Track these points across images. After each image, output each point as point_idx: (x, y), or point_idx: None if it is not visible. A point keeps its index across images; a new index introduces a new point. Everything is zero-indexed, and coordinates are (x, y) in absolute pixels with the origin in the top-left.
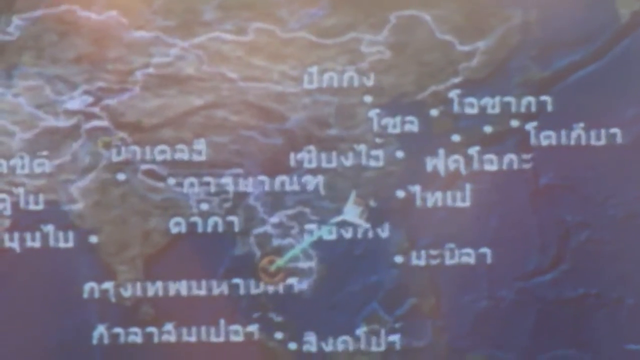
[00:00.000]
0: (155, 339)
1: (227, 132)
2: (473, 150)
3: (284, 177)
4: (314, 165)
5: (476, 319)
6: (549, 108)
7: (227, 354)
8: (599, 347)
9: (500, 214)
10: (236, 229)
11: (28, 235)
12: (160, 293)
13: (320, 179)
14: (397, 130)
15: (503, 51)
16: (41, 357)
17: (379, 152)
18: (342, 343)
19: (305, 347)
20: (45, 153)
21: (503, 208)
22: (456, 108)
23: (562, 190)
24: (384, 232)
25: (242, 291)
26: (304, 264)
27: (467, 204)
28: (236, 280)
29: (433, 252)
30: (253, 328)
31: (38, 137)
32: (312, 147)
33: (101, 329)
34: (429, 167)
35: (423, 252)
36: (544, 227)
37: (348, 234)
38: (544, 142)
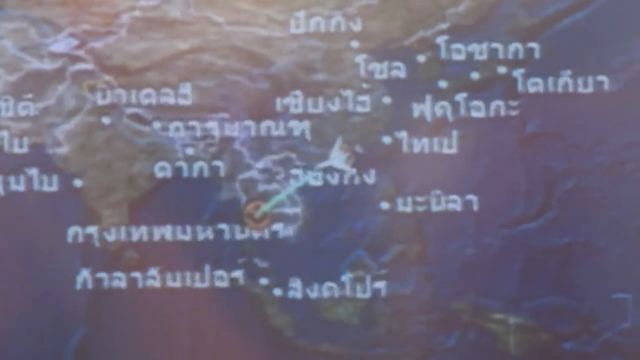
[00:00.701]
0: (140, 284)
1: (213, 76)
2: (460, 97)
3: (270, 122)
4: (300, 110)
5: (462, 266)
6: (537, 55)
7: (211, 299)
8: (585, 295)
9: (487, 161)
10: (222, 174)
11: (12, 179)
12: (145, 238)
13: (306, 124)
14: (384, 76)
15: None
16: (24, 301)
17: (366, 98)
18: (327, 289)
19: (291, 293)
20: (30, 96)
21: (490, 155)
22: (443, 54)
23: (549, 138)
24: (370, 178)
25: (227, 236)
26: (289, 210)
27: (454, 150)
28: (221, 226)
29: (419, 199)
30: (238, 274)
31: (23, 80)
32: (298, 92)
33: (85, 273)
34: (416, 113)
35: (409, 199)
36: (530, 175)
37: (334, 180)
38: (532, 89)
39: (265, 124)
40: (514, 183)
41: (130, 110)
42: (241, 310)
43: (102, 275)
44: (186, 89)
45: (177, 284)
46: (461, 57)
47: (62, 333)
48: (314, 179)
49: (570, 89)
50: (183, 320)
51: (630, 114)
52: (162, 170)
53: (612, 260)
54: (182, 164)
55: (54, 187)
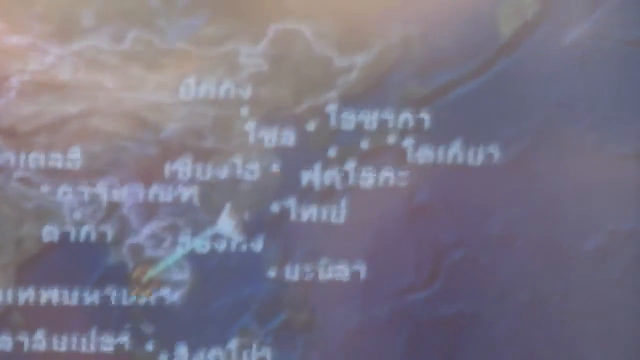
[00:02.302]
0: (26, 347)
1: (102, 141)
2: (350, 166)
3: (158, 188)
4: (189, 176)
5: (349, 335)
6: (427, 125)
7: None
8: None
9: (376, 231)
10: (109, 239)
11: None
12: (32, 301)
13: (195, 190)
14: (274, 144)
15: (382, 67)
16: None
17: (255, 165)
18: (213, 356)
19: None
20: None
21: (378, 225)
22: (333, 123)
23: (438, 209)
24: (258, 246)
25: (114, 301)
26: (176, 276)
27: (343, 219)
28: (108, 291)
29: (307, 267)
30: (124, 339)
31: None
32: (187, 159)
33: None
34: (305, 182)
35: (297, 267)
36: (419, 245)
37: (222, 247)
38: (421, 160)
39: (154, 189)
40: (402, 253)
41: (18, 174)
42: None
43: None
44: (75, 153)
45: (64, 348)
46: (351, 126)
47: None
48: (202, 246)
49: (460, 160)
50: None
51: (520, 186)
52: (49, 234)
53: (500, 331)
54: (70, 228)
55: None
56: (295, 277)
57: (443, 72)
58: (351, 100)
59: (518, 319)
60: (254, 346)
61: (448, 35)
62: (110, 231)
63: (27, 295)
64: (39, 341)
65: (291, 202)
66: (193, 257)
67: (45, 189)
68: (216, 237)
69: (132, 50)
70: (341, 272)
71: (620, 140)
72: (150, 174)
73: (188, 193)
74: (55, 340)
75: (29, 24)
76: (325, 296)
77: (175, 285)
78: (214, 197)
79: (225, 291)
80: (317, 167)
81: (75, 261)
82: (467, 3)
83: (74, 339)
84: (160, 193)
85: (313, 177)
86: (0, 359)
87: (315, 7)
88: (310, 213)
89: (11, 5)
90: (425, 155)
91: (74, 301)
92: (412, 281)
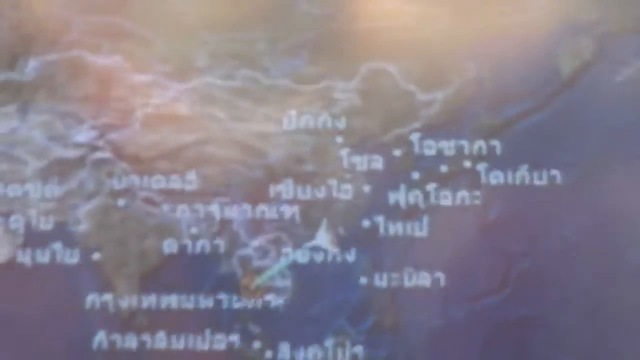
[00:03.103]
0: (149, 345)
1: (215, 165)
2: (430, 187)
3: (264, 206)
4: (290, 196)
5: (430, 335)
6: (498, 151)
7: None
8: None
9: (453, 243)
10: (221, 251)
11: (38, 252)
12: (154, 305)
13: (296, 208)
14: (364, 168)
15: (459, 101)
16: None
17: (348, 186)
18: (312, 353)
19: (280, 356)
20: (55, 180)
21: (456, 238)
22: (416, 149)
23: (508, 224)
24: (351, 257)
25: (225, 305)
26: (280, 283)
27: (425, 233)
28: (220, 296)
29: (394, 275)
30: (234, 338)
31: (49, 166)
32: (289, 181)
33: (101, 335)
34: (392, 201)
35: (385, 275)
36: (491, 256)
37: (319, 258)
38: (493, 181)
39: (260, 207)
40: (477, 263)
41: (142, 194)
42: None
43: (116, 337)
44: (192, 175)
45: (181, 346)
46: (432, 152)
47: None
48: (302, 257)
49: (527, 181)
50: None
51: (580, 205)
52: (169, 246)
53: (562, 332)
54: (187, 241)
55: (75, 260)
56: (384, 284)
57: (511, 106)
58: (432, 130)
59: (578, 321)
60: (348, 344)
61: (515, 74)
62: (222, 244)
63: (149, 300)
64: (160, 340)
65: (380, 219)
66: (294, 267)
67: (165, 207)
68: (314, 249)
69: (241, 87)
70: (423, 279)
71: None
72: (257, 194)
73: (290, 210)
74: (174, 340)
75: (151, 64)
76: (410, 301)
77: (279, 291)
78: (312, 214)
79: (323, 296)
80: (403, 187)
81: (192, 270)
82: (531, 45)
83: (191, 338)
84: (266, 210)
85: (399, 196)
86: (126, 357)
87: (401, 49)
88: (396, 228)
89: (136, 48)
90: (496, 177)
91: (191, 305)
92: (485, 287)
